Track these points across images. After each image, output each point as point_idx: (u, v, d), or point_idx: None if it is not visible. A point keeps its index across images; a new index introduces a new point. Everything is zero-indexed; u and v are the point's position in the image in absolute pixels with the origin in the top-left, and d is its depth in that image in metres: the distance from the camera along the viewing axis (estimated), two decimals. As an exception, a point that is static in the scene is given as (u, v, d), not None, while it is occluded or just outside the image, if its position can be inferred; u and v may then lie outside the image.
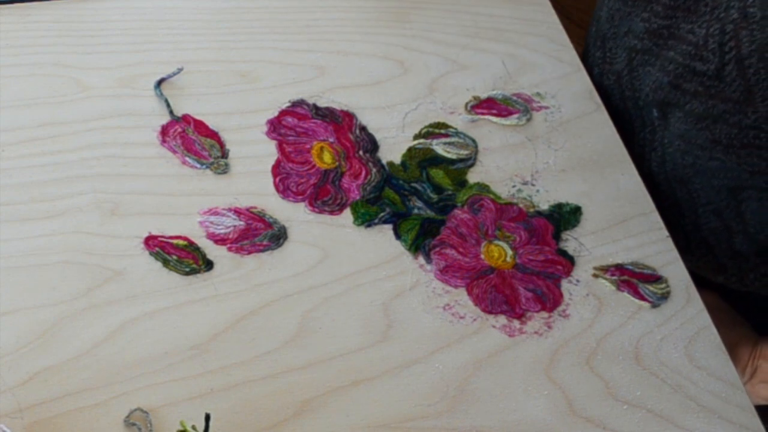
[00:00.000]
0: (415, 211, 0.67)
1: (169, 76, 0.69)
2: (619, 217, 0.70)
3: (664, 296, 0.66)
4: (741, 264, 0.77)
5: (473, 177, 0.70)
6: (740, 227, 0.74)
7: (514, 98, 0.74)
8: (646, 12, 0.74)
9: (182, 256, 0.60)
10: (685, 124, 0.72)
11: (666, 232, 0.69)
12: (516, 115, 0.74)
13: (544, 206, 0.69)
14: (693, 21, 0.69)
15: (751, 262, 0.77)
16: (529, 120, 0.74)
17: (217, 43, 0.73)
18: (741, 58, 0.65)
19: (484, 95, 0.74)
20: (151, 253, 0.60)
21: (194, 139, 0.66)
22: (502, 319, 0.63)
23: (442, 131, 0.72)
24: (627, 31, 0.76)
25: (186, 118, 0.67)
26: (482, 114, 0.73)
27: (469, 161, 0.70)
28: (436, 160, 0.70)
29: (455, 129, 0.72)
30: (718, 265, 0.79)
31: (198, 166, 0.65)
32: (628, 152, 0.75)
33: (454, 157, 0.70)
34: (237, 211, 0.64)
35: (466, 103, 0.74)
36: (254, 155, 0.67)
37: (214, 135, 0.67)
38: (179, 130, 0.67)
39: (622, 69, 0.78)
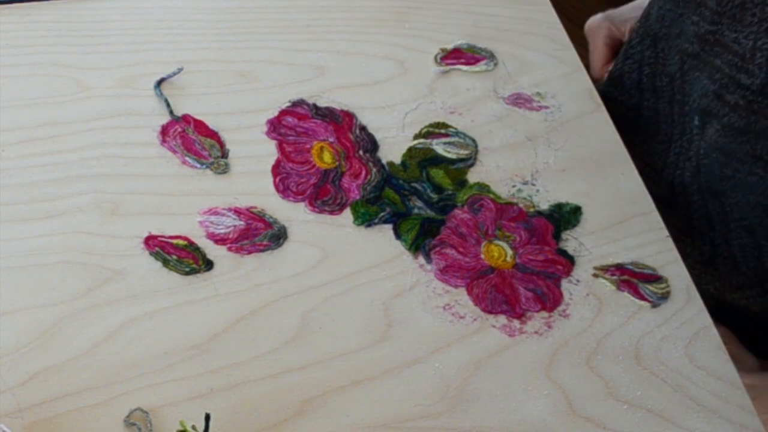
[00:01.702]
0: (415, 211, 0.67)
1: (169, 76, 0.69)
2: (619, 217, 0.70)
3: (664, 296, 0.66)
4: (762, 285, 0.76)
5: (473, 177, 0.70)
6: None
7: (479, 46, 0.77)
8: (696, 15, 0.72)
9: (182, 256, 0.60)
10: (723, 137, 0.71)
11: (666, 232, 0.69)
12: (483, 62, 0.75)
13: (544, 206, 0.69)
14: (738, 30, 0.68)
15: None
16: (495, 65, 0.76)
17: (217, 43, 0.73)
18: None
19: (450, 46, 0.76)
20: (151, 253, 0.60)
21: (194, 139, 0.66)
22: (502, 319, 0.63)
23: (442, 131, 0.72)
24: (679, 32, 0.75)
25: (186, 118, 0.67)
26: (451, 64, 0.75)
27: (469, 161, 0.70)
28: (436, 160, 0.70)
29: (455, 129, 0.72)
30: (741, 282, 0.78)
31: (198, 166, 0.65)
32: (665, 158, 0.74)
33: (454, 156, 0.70)
34: (237, 211, 0.64)
35: (435, 56, 0.76)
36: (254, 155, 0.67)
37: (214, 135, 0.67)
38: (179, 130, 0.67)
39: (675, 72, 0.77)
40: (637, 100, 0.79)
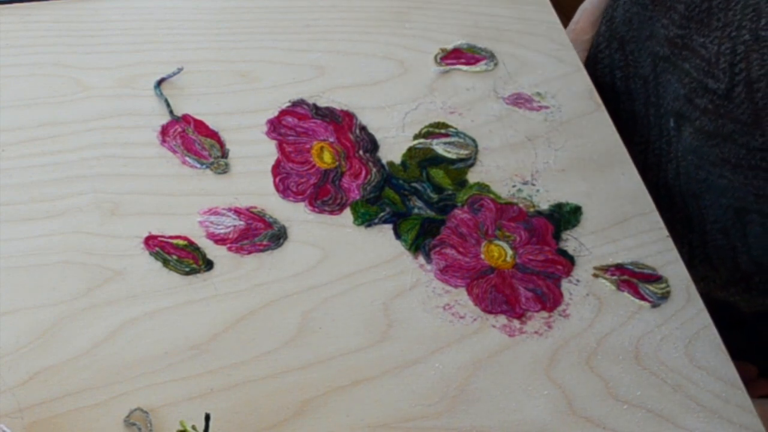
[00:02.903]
0: (415, 211, 0.67)
1: (169, 76, 0.69)
2: (619, 217, 0.70)
3: (664, 296, 0.66)
4: (746, 282, 0.77)
5: (473, 177, 0.70)
6: (744, 249, 0.74)
7: (479, 46, 0.77)
8: (666, 18, 0.72)
9: (182, 256, 0.60)
10: (696, 140, 0.71)
11: (666, 232, 0.69)
12: (483, 62, 0.75)
13: (544, 206, 0.69)
14: (705, 35, 0.68)
15: (754, 281, 0.76)
16: (495, 65, 0.75)
17: (217, 43, 0.73)
18: (750, 81, 0.64)
19: (450, 46, 0.76)
20: (151, 253, 0.60)
21: (194, 139, 0.66)
22: (502, 319, 0.63)
23: (442, 131, 0.72)
24: (649, 35, 0.75)
25: (186, 118, 0.67)
26: (452, 65, 0.74)
27: (469, 161, 0.70)
28: (436, 160, 0.70)
29: (455, 129, 0.72)
30: (723, 281, 0.78)
31: (198, 166, 0.65)
32: (643, 160, 0.74)
33: (454, 156, 0.70)
34: (237, 211, 0.64)
35: (435, 56, 0.76)
36: (254, 155, 0.67)
37: (214, 135, 0.67)
38: (179, 130, 0.67)
39: (648, 74, 0.77)
40: (613, 105, 0.79)
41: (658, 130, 0.77)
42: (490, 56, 0.76)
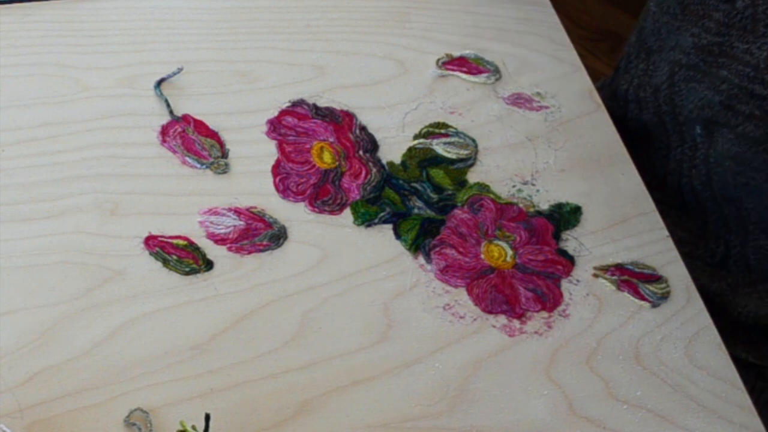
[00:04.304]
0: (415, 211, 0.67)
1: (169, 76, 0.69)
2: (619, 217, 0.70)
3: (664, 296, 0.66)
4: None
5: (473, 177, 0.70)
6: None
7: (486, 59, 0.76)
8: (697, 27, 0.72)
9: (182, 256, 0.60)
10: (737, 146, 0.71)
11: (666, 232, 0.69)
12: (486, 74, 0.74)
13: (544, 206, 0.69)
14: (750, 41, 0.68)
15: None
16: (498, 80, 0.75)
17: (217, 43, 0.73)
18: None
19: (457, 53, 0.76)
20: (151, 253, 0.60)
21: (194, 139, 0.66)
22: (502, 319, 0.63)
23: (442, 131, 0.72)
24: (674, 45, 0.75)
25: (186, 118, 0.67)
26: (452, 71, 0.74)
27: (469, 161, 0.70)
28: (436, 160, 0.70)
29: (455, 129, 0.72)
30: (753, 278, 0.78)
31: (198, 166, 0.65)
32: (665, 165, 0.74)
33: (454, 157, 0.70)
34: (237, 211, 0.64)
35: (438, 60, 0.75)
36: (254, 155, 0.67)
37: (214, 135, 0.67)
38: (179, 130, 0.67)
39: (661, 83, 0.77)
40: (622, 112, 0.79)
41: (678, 137, 0.77)
42: (495, 70, 0.76)
